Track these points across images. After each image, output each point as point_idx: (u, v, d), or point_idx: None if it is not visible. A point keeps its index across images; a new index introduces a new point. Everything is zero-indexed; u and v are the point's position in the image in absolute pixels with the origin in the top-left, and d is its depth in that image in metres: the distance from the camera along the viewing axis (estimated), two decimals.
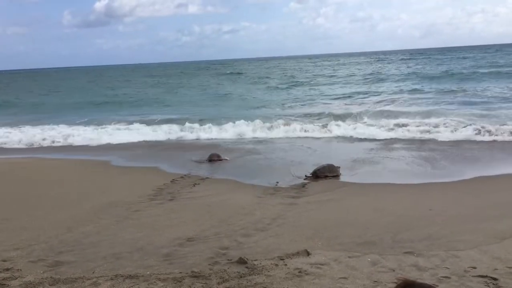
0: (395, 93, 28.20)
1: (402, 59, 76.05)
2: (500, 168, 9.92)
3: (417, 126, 15.56)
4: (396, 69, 49.98)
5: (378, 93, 28.29)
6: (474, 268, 4.96)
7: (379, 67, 56.65)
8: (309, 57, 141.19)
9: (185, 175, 10.29)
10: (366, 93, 28.87)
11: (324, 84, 38.31)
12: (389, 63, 64.69)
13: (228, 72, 68.27)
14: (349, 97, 27.82)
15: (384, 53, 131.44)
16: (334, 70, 58.75)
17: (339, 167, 10.01)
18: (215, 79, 54.69)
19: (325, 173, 9.69)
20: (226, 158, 12.26)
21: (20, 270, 5.36)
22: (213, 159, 12.13)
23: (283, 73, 58.06)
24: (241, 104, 28.14)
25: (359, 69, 55.20)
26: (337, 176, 9.75)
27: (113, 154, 13.69)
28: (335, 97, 28.40)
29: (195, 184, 9.48)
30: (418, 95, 25.70)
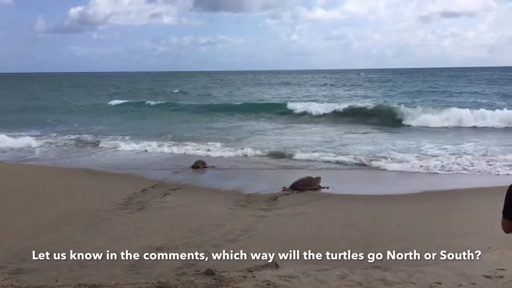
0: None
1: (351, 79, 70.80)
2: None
3: None
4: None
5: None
6: (440, 283, 5.03)
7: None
8: (283, 72, 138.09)
9: (156, 184, 10.16)
10: None
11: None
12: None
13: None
14: None
15: (357, 71, 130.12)
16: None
17: (319, 178, 10.07)
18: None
19: (303, 186, 9.76)
20: (213, 165, 12.47)
21: None
22: (198, 166, 12.23)
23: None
24: None
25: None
26: (315, 189, 9.81)
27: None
28: None
29: (166, 194, 9.38)
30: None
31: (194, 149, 14.95)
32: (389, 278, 5.16)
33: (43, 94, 46.96)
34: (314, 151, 13.95)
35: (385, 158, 12.74)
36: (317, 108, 26.17)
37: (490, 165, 11.89)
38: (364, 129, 20.08)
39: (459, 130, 19.81)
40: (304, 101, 30.54)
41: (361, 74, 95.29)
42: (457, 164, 12.02)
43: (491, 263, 5.55)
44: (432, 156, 13.12)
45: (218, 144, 15.69)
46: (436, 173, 11.38)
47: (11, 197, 9.09)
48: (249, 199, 8.96)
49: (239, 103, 31.35)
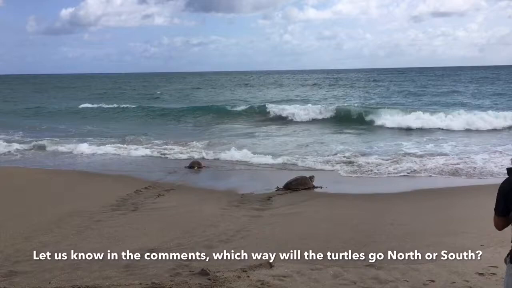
0: None
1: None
2: None
3: None
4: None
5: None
6: (433, 281, 5.06)
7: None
8: (275, 72, 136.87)
9: (149, 185, 10.13)
10: None
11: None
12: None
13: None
14: None
15: (349, 71, 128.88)
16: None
17: (313, 177, 10.12)
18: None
19: (297, 186, 9.79)
20: (206, 166, 12.53)
21: None
22: (193, 166, 12.28)
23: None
24: None
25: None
26: (309, 188, 9.84)
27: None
28: None
29: (160, 194, 9.36)
30: None
31: (146, 152, 14.84)
32: (383, 276, 5.19)
33: (20, 96, 46.18)
34: (268, 154, 13.67)
35: (351, 163, 12.37)
36: (293, 110, 25.32)
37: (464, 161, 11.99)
38: (339, 131, 19.80)
39: (436, 132, 19.19)
40: (284, 102, 30.10)
41: (350, 74, 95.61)
42: (433, 165, 11.82)
43: (484, 260, 5.58)
44: (408, 155, 13.04)
45: (173, 147, 15.59)
46: (412, 175, 11.15)
47: (2, 199, 9.02)
48: (243, 199, 8.96)
49: (218, 104, 30.43)
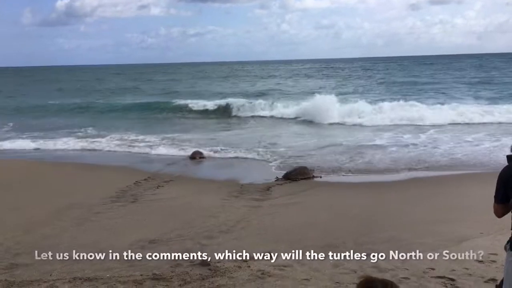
0: None
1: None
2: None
3: None
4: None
5: None
6: (433, 269, 5.07)
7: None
8: (273, 62, 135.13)
9: (149, 177, 10.12)
10: None
11: None
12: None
13: None
14: None
15: (347, 60, 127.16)
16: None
17: (313, 170, 10.12)
18: None
19: (296, 176, 9.78)
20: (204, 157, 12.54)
21: None
22: (195, 157, 12.33)
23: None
24: None
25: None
26: (309, 178, 9.83)
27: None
28: None
29: (159, 186, 9.36)
30: None
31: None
32: (383, 265, 5.20)
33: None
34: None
35: None
36: (257, 106, 23.57)
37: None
38: (299, 126, 19.23)
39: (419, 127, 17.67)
40: (260, 96, 28.38)
41: (341, 64, 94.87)
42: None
43: (483, 248, 5.60)
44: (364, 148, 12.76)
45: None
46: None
47: (2, 192, 9.01)
48: (242, 190, 8.96)
49: (179, 99, 27.57)
